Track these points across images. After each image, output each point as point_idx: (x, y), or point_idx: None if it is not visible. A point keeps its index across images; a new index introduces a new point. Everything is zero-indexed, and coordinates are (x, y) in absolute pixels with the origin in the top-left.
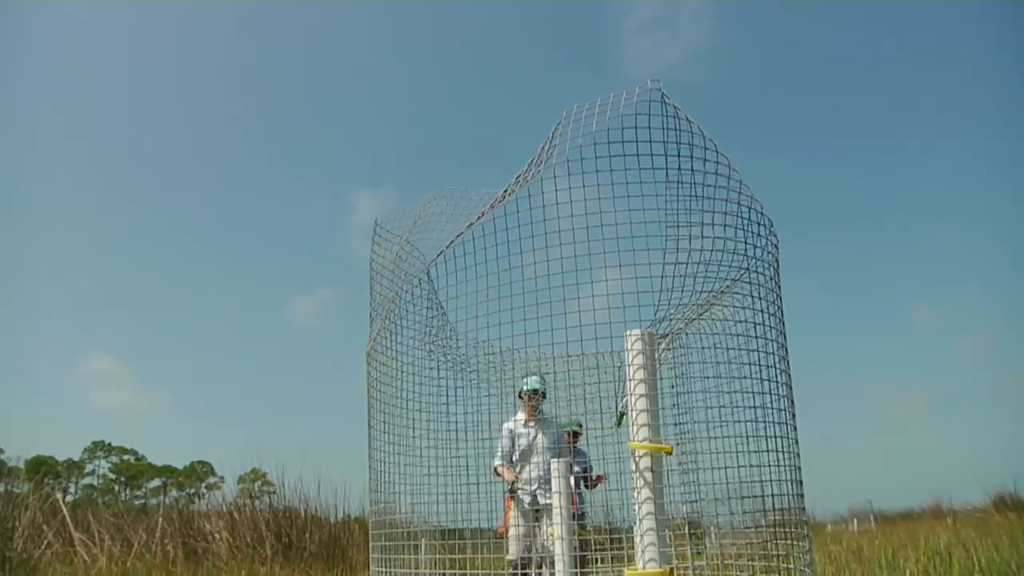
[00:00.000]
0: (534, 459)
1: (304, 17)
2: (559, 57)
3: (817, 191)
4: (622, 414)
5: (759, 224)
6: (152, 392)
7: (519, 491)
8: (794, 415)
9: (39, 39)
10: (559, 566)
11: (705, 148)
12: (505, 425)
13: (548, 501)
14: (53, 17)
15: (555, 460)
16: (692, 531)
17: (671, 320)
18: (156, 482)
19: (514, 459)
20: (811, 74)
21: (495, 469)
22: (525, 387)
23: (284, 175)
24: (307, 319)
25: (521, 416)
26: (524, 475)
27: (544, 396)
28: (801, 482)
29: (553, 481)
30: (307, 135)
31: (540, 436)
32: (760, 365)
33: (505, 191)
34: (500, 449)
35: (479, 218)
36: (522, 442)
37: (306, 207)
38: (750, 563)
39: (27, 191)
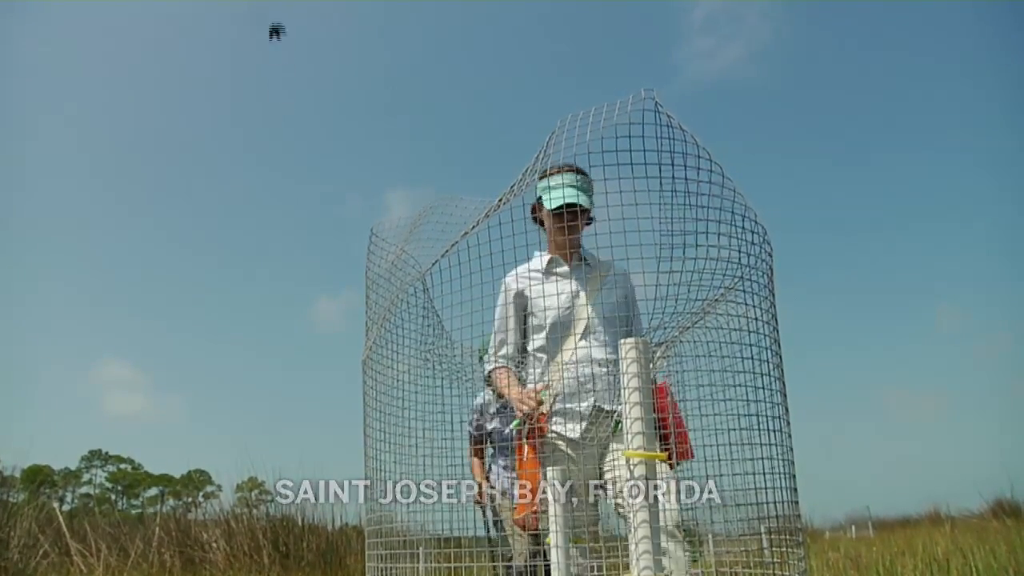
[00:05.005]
0: (580, 343)
1: (340, 12)
2: (617, 56)
3: (863, 189)
4: (617, 422)
5: (752, 232)
6: (166, 399)
7: (552, 418)
8: (788, 423)
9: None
10: (555, 573)
11: (699, 157)
12: (507, 280)
13: (614, 409)
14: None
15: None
16: (687, 539)
17: (666, 328)
18: (153, 491)
19: (530, 349)
20: (863, 77)
21: (487, 376)
22: (549, 204)
23: (313, 174)
24: (330, 321)
25: (542, 259)
26: (547, 386)
27: (591, 220)
28: (796, 489)
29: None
30: (337, 132)
31: (584, 298)
32: (755, 373)
33: (500, 199)
34: (496, 334)
35: (474, 226)
36: (549, 309)
37: (337, 206)
38: (746, 570)
39: (47, 197)
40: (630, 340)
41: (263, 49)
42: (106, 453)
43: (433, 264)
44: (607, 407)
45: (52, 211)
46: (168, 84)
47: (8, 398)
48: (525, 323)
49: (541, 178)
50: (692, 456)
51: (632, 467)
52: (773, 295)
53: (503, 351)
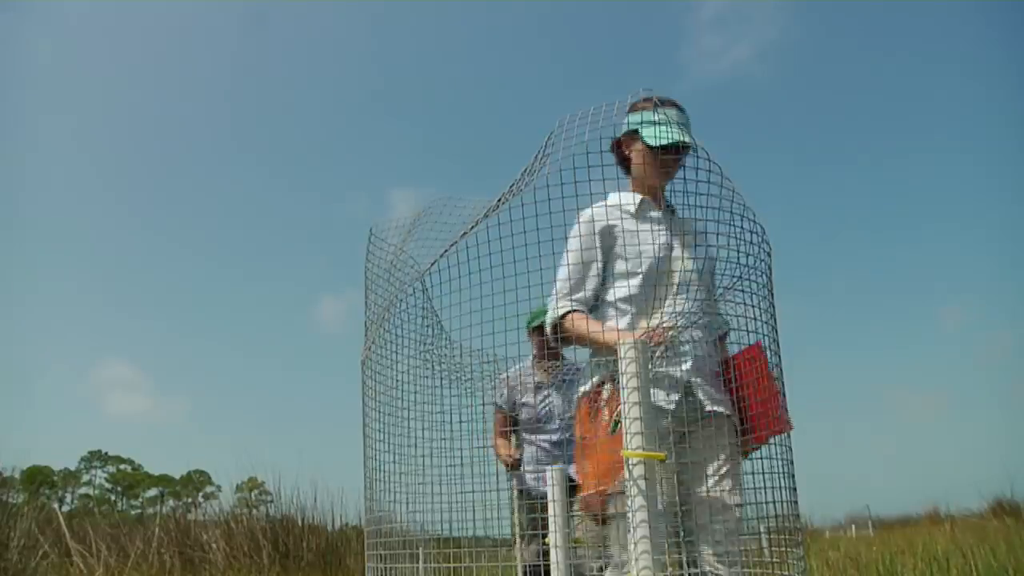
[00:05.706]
0: (681, 295)
1: (343, 12)
2: (623, 56)
3: (866, 190)
4: (616, 422)
5: (751, 232)
6: (166, 399)
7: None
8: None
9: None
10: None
11: (697, 156)
12: (593, 212)
13: (720, 408)
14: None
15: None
16: (687, 539)
17: (664, 327)
18: (153, 492)
19: (610, 298)
20: (869, 77)
21: (557, 320)
22: (655, 139)
23: (316, 173)
24: (334, 322)
25: (634, 197)
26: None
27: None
28: (795, 489)
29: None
30: (340, 131)
31: (679, 249)
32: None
33: (499, 199)
34: (571, 274)
35: (473, 226)
36: (646, 255)
37: (340, 205)
38: (745, 570)
39: (48, 197)
40: (629, 340)
41: (265, 48)
42: (106, 454)
43: (432, 264)
44: (698, 380)
45: (53, 211)
46: (169, 84)
47: (8, 398)
48: (606, 267)
49: (635, 110)
50: (791, 427)
51: (631, 466)
52: (772, 294)
53: (580, 294)
